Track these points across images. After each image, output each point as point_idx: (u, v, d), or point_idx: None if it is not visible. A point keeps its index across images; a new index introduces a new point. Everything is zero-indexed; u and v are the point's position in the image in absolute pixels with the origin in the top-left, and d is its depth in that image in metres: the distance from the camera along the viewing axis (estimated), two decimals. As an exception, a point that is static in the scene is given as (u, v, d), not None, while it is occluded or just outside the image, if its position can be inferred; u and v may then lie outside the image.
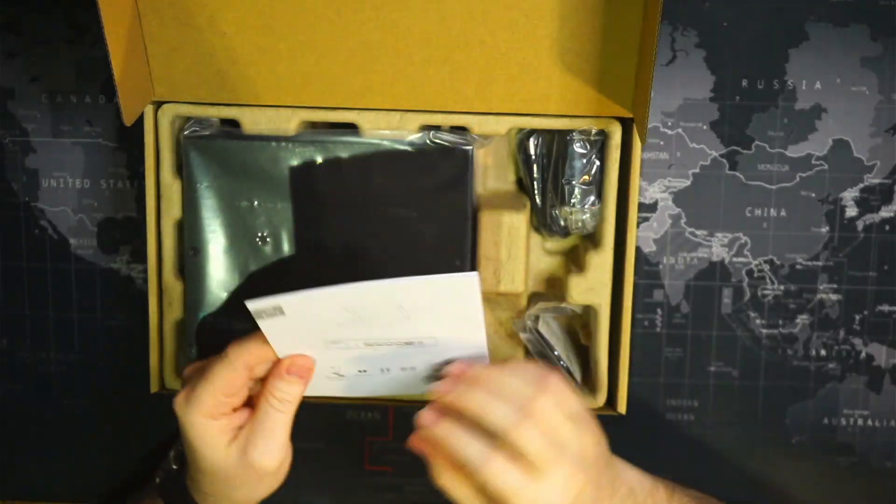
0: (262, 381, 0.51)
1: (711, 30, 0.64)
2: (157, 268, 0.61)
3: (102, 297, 0.68)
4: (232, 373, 0.50)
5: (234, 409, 0.51)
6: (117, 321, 0.68)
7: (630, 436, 0.64)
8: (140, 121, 0.58)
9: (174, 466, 0.55)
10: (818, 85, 0.64)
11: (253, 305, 0.47)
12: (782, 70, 0.64)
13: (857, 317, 0.66)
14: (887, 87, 0.64)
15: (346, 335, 0.50)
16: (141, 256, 0.66)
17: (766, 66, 0.64)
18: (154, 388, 0.61)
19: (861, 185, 0.65)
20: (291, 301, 0.48)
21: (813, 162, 0.65)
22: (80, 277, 0.67)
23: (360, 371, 0.52)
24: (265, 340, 0.50)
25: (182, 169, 0.60)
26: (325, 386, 0.53)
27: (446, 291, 0.48)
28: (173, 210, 0.60)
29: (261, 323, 0.49)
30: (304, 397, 0.52)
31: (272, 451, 0.50)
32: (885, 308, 0.66)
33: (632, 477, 0.51)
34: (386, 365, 0.52)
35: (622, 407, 0.60)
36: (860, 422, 0.67)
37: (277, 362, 0.51)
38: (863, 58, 0.64)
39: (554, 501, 0.45)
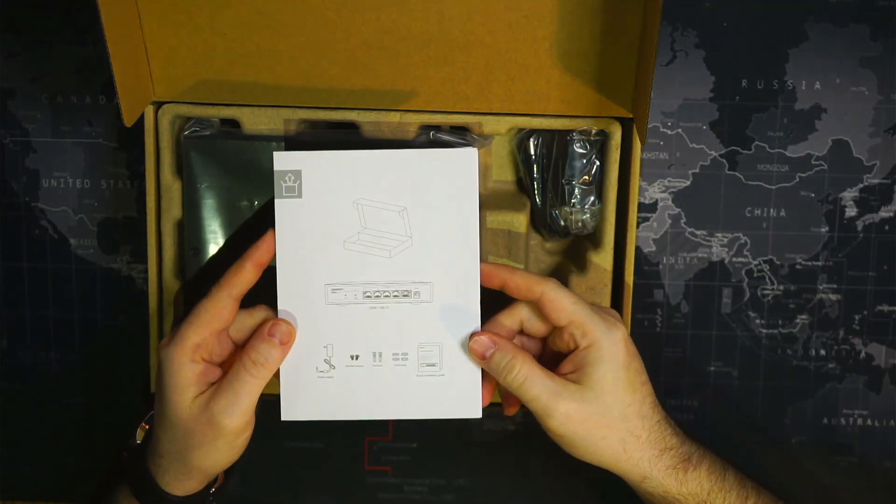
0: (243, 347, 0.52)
1: (711, 30, 0.64)
2: (157, 268, 0.61)
3: (102, 297, 0.68)
4: (215, 303, 0.51)
5: (212, 364, 0.53)
6: (117, 321, 0.68)
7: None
8: (140, 121, 0.58)
9: (138, 442, 0.58)
10: (818, 85, 0.65)
11: (279, 160, 0.53)
12: (782, 70, 0.64)
13: (857, 317, 0.67)
14: (887, 87, 0.64)
15: (352, 241, 0.53)
16: (141, 256, 0.66)
17: (766, 67, 0.64)
18: (154, 388, 0.61)
19: (861, 186, 0.65)
20: (311, 159, 0.53)
21: (812, 162, 0.65)
22: (80, 277, 0.67)
23: (352, 358, 0.53)
24: (247, 263, 0.52)
25: (182, 169, 0.60)
26: (315, 389, 0.54)
27: (447, 163, 0.53)
28: (173, 210, 0.60)
29: (277, 203, 0.53)
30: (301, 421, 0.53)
31: (234, 412, 0.51)
32: (885, 308, 0.66)
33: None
34: (378, 347, 0.53)
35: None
36: (860, 421, 0.67)
37: (260, 326, 0.52)
38: (862, 58, 0.64)
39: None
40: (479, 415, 0.54)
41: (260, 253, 0.52)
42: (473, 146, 0.56)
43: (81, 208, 0.67)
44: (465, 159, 0.53)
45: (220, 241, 0.60)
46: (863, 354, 0.67)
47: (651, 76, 0.52)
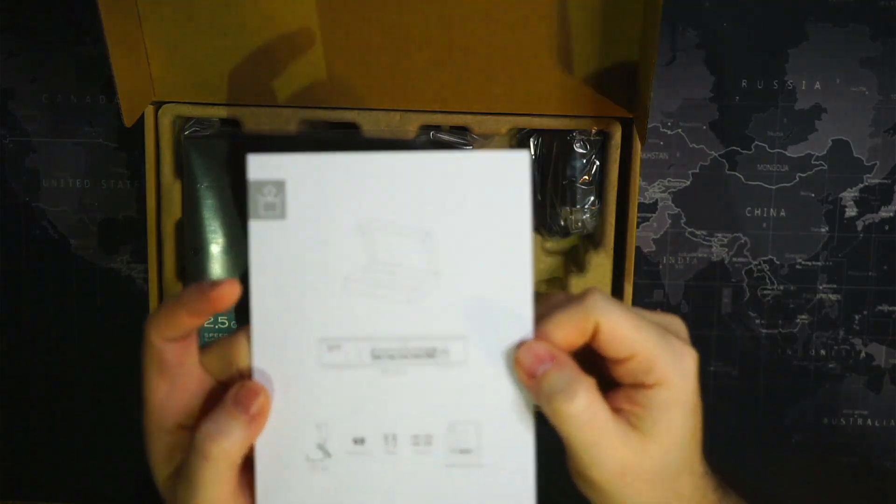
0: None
1: (711, 30, 0.64)
2: (157, 268, 0.61)
3: (102, 297, 0.68)
4: (150, 350, 0.38)
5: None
6: (117, 321, 0.68)
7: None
8: (140, 121, 0.58)
9: None
10: (818, 85, 0.65)
11: (255, 166, 0.38)
12: (782, 70, 0.64)
13: (857, 317, 0.67)
14: (887, 87, 0.64)
15: (356, 279, 0.39)
16: (141, 256, 0.66)
17: (766, 67, 0.64)
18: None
19: (861, 186, 0.65)
20: (300, 165, 0.38)
21: (812, 162, 0.65)
22: (80, 277, 0.67)
23: (355, 443, 0.39)
24: (181, 309, 0.37)
25: (182, 169, 0.60)
26: (304, 484, 0.38)
27: (488, 171, 0.38)
28: (173, 210, 0.60)
29: (253, 226, 0.38)
30: None
31: None
32: (885, 308, 0.66)
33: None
34: (392, 427, 0.39)
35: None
36: (860, 421, 0.67)
37: (227, 389, 0.38)
38: (862, 58, 0.64)
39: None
40: None
41: (202, 303, 0.37)
42: (524, 150, 0.40)
43: (81, 208, 0.67)
44: (514, 166, 0.38)
45: (221, 241, 0.60)
46: (863, 354, 0.67)
47: (651, 76, 0.52)
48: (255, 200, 0.38)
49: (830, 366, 0.67)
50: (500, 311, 0.38)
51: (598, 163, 0.60)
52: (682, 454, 0.40)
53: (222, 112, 0.59)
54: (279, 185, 0.38)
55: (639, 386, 0.39)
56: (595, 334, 0.38)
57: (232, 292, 0.37)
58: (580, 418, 0.37)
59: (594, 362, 0.40)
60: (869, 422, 0.67)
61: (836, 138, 0.65)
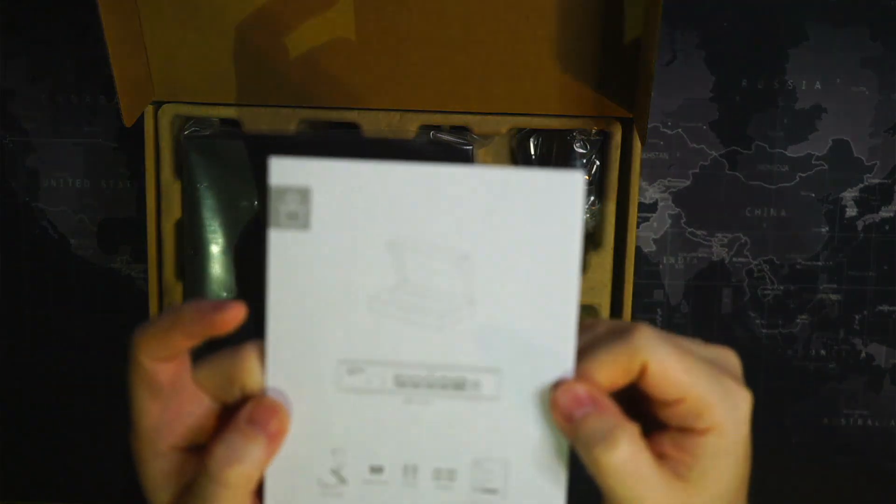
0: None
1: (711, 30, 0.64)
2: (156, 268, 0.61)
3: (102, 297, 0.68)
4: (138, 370, 0.36)
5: (194, 449, 0.36)
6: (117, 321, 0.68)
7: (630, 436, 0.64)
8: (140, 121, 0.58)
9: None
10: (818, 85, 0.64)
11: (278, 170, 0.34)
12: (782, 70, 0.64)
13: (857, 317, 0.66)
14: (887, 87, 0.64)
15: (383, 300, 0.36)
16: (141, 256, 0.66)
17: (766, 67, 0.64)
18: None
19: (861, 186, 0.65)
20: (328, 172, 0.34)
21: (813, 162, 0.65)
22: (80, 277, 0.67)
23: (373, 471, 0.36)
24: (175, 331, 0.35)
25: (182, 169, 0.60)
26: None
27: (538, 191, 0.35)
28: (173, 210, 0.60)
29: (273, 236, 0.35)
30: None
31: None
32: (885, 308, 0.66)
33: None
34: (413, 458, 0.36)
35: (622, 407, 0.60)
36: (860, 422, 0.67)
37: (238, 410, 0.35)
38: (863, 58, 0.64)
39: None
40: None
41: (202, 326, 0.34)
42: (578, 170, 0.38)
43: (81, 208, 0.67)
44: (568, 188, 0.34)
45: (220, 241, 0.60)
46: (863, 354, 0.67)
47: (651, 76, 0.52)
48: (277, 208, 0.35)
49: (830, 366, 0.67)
50: (539, 346, 0.35)
51: (598, 163, 0.60)
52: (728, 503, 0.37)
53: (222, 112, 0.59)
54: (304, 193, 0.35)
55: (687, 431, 0.35)
56: (642, 374, 0.35)
57: (236, 317, 0.34)
58: (622, 470, 0.34)
59: (635, 398, 0.36)
60: (869, 422, 0.67)
61: (837, 138, 0.65)
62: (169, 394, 0.36)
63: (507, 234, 0.35)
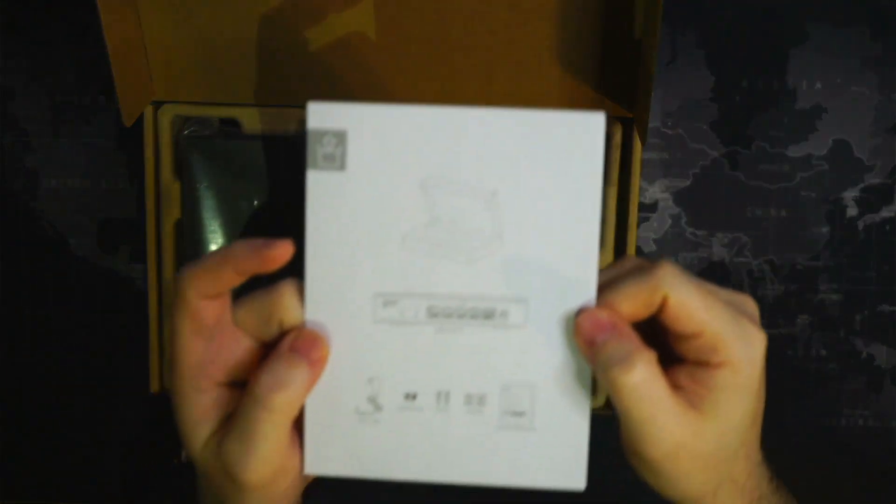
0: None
1: (712, 29, 0.64)
2: (156, 268, 0.61)
3: (102, 297, 0.68)
4: (186, 307, 0.37)
5: (234, 384, 0.38)
6: (117, 321, 0.68)
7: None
8: (140, 121, 0.58)
9: (183, 461, 0.45)
10: (818, 85, 0.64)
11: (316, 114, 0.37)
12: (783, 70, 0.64)
13: (858, 317, 0.66)
14: (888, 87, 0.64)
15: (415, 237, 0.38)
16: (141, 256, 0.66)
17: (767, 66, 0.64)
18: (154, 388, 0.61)
19: (861, 185, 0.65)
20: (363, 115, 0.37)
21: (813, 162, 0.65)
22: (80, 277, 0.67)
23: (407, 398, 0.39)
24: (226, 266, 0.36)
25: (182, 169, 0.60)
26: (353, 435, 0.39)
27: (562, 132, 0.37)
28: (173, 210, 0.60)
29: (310, 176, 0.37)
30: (324, 479, 0.40)
31: (249, 462, 0.37)
32: (886, 308, 0.66)
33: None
34: (445, 385, 0.38)
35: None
36: (860, 422, 0.67)
37: (280, 340, 0.37)
38: (863, 58, 0.64)
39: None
40: (582, 486, 0.39)
41: (254, 261, 0.36)
42: (600, 112, 0.39)
43: (81, 208, 0.67)
44: (590, 127, 0.37)
45: (220, 242, 0.60)
46: (864, 355, 0.67)
47: (651, 76, 0.52)
48: (314, 150, 0.37)
49: (831, 366, 0.67)
50: (564, 276, 0.37)
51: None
52: (740, 438, 0.39)
53: (222, 112, 0.59)
54: (340, 136, 0.37)
55: (703, 365, 0.38)
56: (662, 308, 0.37)
57: (287, 253, 0.36)
58: (637, 391, 0.36)
59: (657, 335, 0.38)
60: (869, 422, 0.67)
61: (837, 138, 0.65)
62: (212, 332, 0.37)
63: (532, 171, 0.37)
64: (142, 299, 0.64)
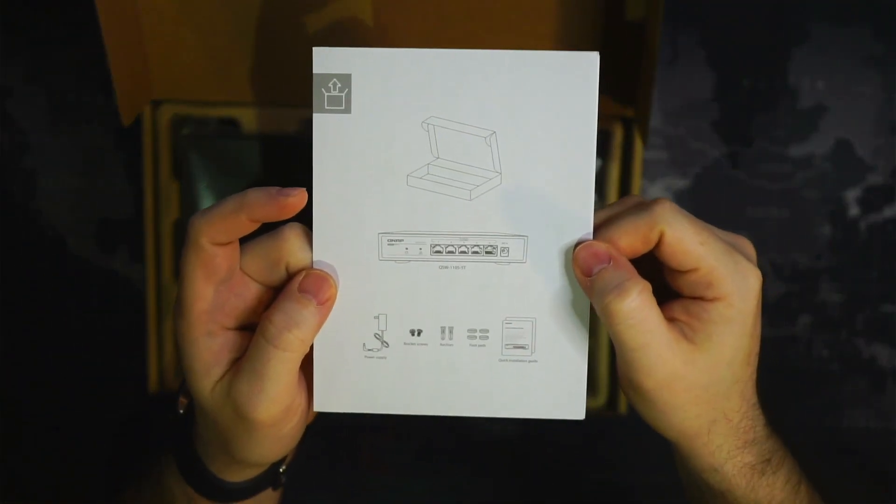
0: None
1: (713, 29, 0.64)
2: (154, 268, 0.61)
3: (102, 297, 0.67)
4: (198, 254, 0.38)
5: (240, 329, 0.40)
6: (117, 321, 0.68)
7: (630, 436, 0.64)
8: (138, 120, 0.58)
9: (181, 412, 0.46)
10: (820, 84, 0.64)
11: (321, 59, 0.38)
12: (784, 69, 0.64)
13: (860, 317, 0.66)
14: (890, 86, 0.64)
15: (418, 176, 0.39)
16: (139, 256, 0.66)
17: (768, 66, 0.64)
18: (154, 388, 0.61)
19: (863, 185, 0.65)
20: (366, 59, 0.38)
21: (815, 162, 0.65)
22: (79, 277, 0.67)
23: (412, 334, 0.40)
24: (242, 213, 0.37)
25: (180, 169, 0.60)
26: (360, 372, 0.40)
27: (557, 71, 0.39)
28: (171, 210, 0.60)
29: (317, 119, 0.38)
30: (333, 416, 0.41)
31: (260, 401, 0.38)
32: (888, 308, 0.66)
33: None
34: (449, 320, 0.40)
35: (622, 407, 0.60)
36: (862, 423, 0.67)
37: (288, 281, 0.38)
38: (865, 57, 0.64)
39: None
40: (581, 415, 0.41)
41: (269, 208, 0.37)
42: (594, 51, 0.40)
43: (80, 208, 0.67)
44: (584, 67, 0.39)
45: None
46: (865, 355, 0.67)
47: (652, 76, 0.51)
48: (320, 94, 0.39)
49: (833, 367, 0.67)
50: (562, 212, 0.39)
51: (599, 162, 0.60)
52: (733, 374, 0.40)
53: (221, 112, 0.59)
54: (345, 79, 0.39)
55: (698, 299, 0.39)
56: (659, 243, 0.38)
57: (302, 200, 0.37)
58: (631, 318, 0.37)
59: (655, 273, 0.39)
60: (872, 423, 0.67)
61: (839, 138, 0.65)
62: (223, 277, 0.38)
63: (530, 110, 0.39)
64: (140, 299, 0.63)
